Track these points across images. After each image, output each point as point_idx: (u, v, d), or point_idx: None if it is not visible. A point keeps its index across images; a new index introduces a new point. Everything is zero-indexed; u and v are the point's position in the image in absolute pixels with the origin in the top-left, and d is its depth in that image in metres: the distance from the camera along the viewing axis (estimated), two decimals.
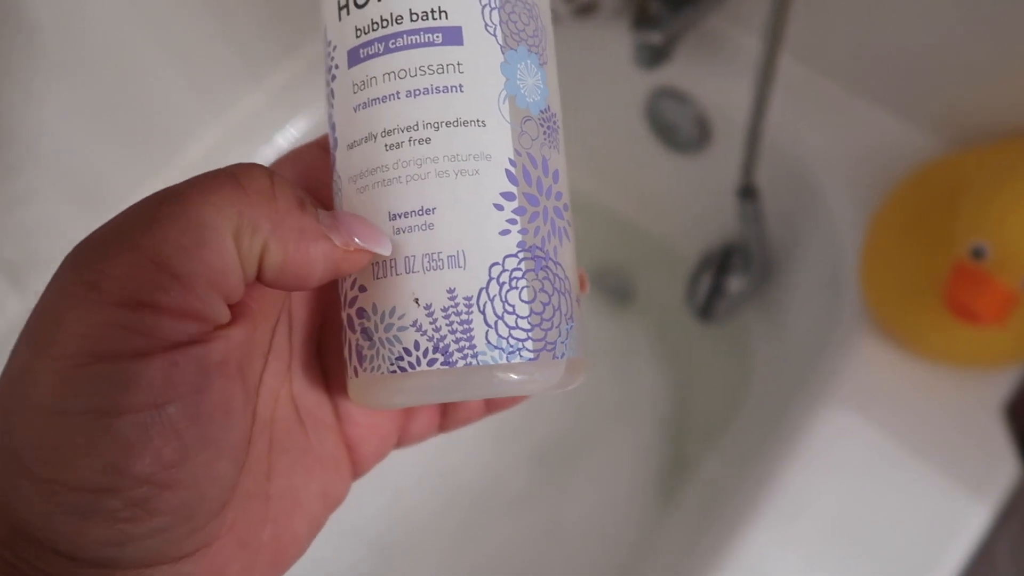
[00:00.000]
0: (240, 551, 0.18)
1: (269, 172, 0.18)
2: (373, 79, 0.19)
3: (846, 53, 0.59)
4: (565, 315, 0.20)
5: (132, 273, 0.15)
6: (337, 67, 0.20)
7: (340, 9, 0.20)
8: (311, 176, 0.22)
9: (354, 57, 0.20)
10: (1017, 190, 0.44)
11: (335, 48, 0.20)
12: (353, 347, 0.20)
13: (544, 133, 0.20)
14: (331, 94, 0.20)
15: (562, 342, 0.20)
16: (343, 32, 0.20)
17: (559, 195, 0.21)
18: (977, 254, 0.44)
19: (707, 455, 0.69)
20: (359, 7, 0.20)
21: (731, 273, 0.69)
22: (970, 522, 0.48)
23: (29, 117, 0.57)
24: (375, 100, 0.19)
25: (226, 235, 0.16)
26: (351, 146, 0.20)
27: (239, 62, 0.67)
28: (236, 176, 0.17)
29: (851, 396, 0.52)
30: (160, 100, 0.64)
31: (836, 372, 0.54)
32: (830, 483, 0.50)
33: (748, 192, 0.60)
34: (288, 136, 0.70)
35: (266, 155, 0.69)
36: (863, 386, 0.53)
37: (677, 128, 0.70)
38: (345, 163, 0.20)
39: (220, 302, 0.16)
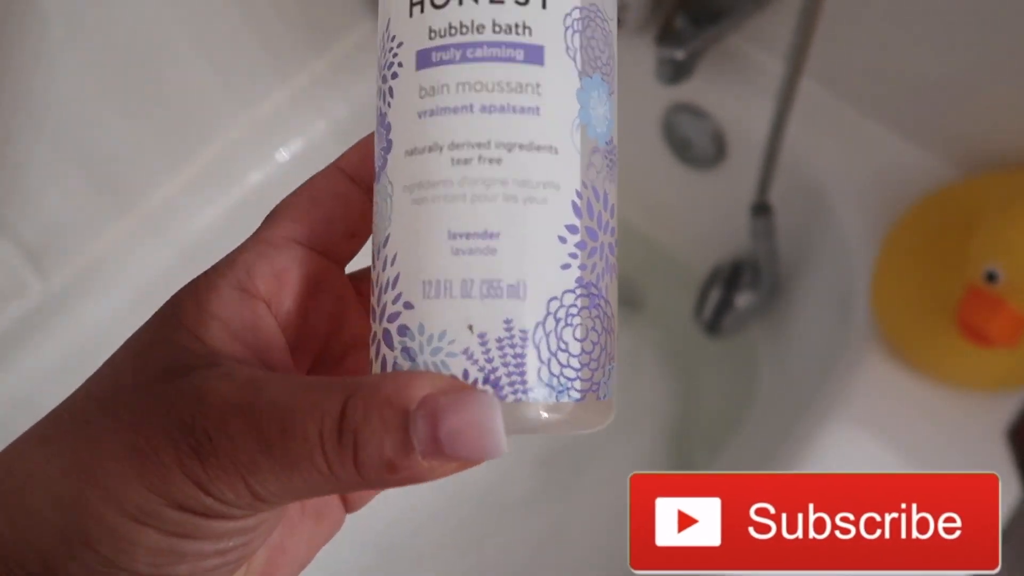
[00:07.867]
0: None
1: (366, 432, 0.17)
2: (445, 86, 0.18)
3: (864, 77, 0.60)
4: (609, 355, 0.20)
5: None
6: (401, 65, 0.19)
7: (413, 5, 0.19)
8: (335, 213, 0.21)
9: (424, 59, 0.19)
10: None
11: (400, 44, 0.19)
12: (389, 365, 0.19)
13: (607, 166, 0.20)
14: (389, 92, 0.19)
15: (604, 383, 0.19)
16: (413, 30, 0.19)
17: (613, 231, 0.20)
18: (990, 278, 0.45)
19: (711, 467, 0.70)
20: (436, 7, 0.19)
21: (740, 288, 0.69)
22: None
23: (57, 104, 0.57)
24: (444, 109, 0.18)
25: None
26: (410, 153, 0.19)
27: (267, 59, 0.68)
28: (356, 444, 0.17)
29: (857, 414, 0.53)
30: (187, 92, 0.65)
31: (843, 389, 0.54)
32: None
33: (762, 209, 0.61)
34: (309, 136, 0.70)
35: (286, 154, 0.70)
36: (869, 404, 0.53)
37: (693, 143, 0.71)
38: (401, 169, 0.19)
39: None
